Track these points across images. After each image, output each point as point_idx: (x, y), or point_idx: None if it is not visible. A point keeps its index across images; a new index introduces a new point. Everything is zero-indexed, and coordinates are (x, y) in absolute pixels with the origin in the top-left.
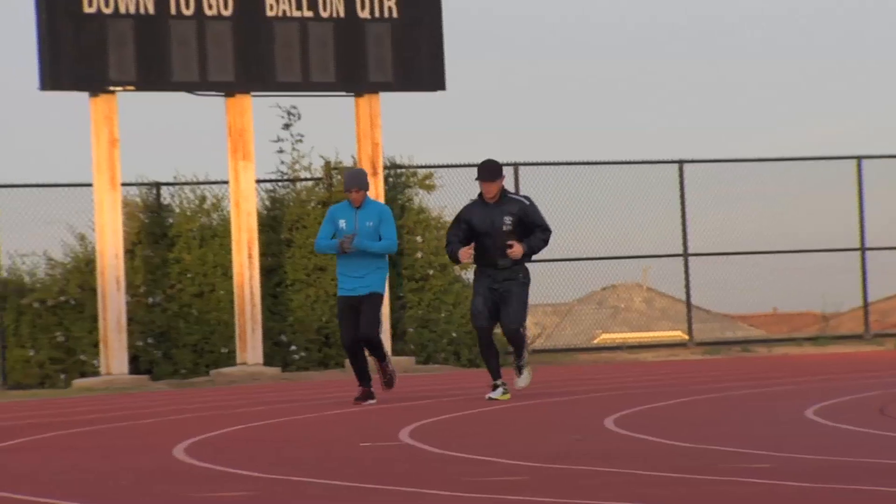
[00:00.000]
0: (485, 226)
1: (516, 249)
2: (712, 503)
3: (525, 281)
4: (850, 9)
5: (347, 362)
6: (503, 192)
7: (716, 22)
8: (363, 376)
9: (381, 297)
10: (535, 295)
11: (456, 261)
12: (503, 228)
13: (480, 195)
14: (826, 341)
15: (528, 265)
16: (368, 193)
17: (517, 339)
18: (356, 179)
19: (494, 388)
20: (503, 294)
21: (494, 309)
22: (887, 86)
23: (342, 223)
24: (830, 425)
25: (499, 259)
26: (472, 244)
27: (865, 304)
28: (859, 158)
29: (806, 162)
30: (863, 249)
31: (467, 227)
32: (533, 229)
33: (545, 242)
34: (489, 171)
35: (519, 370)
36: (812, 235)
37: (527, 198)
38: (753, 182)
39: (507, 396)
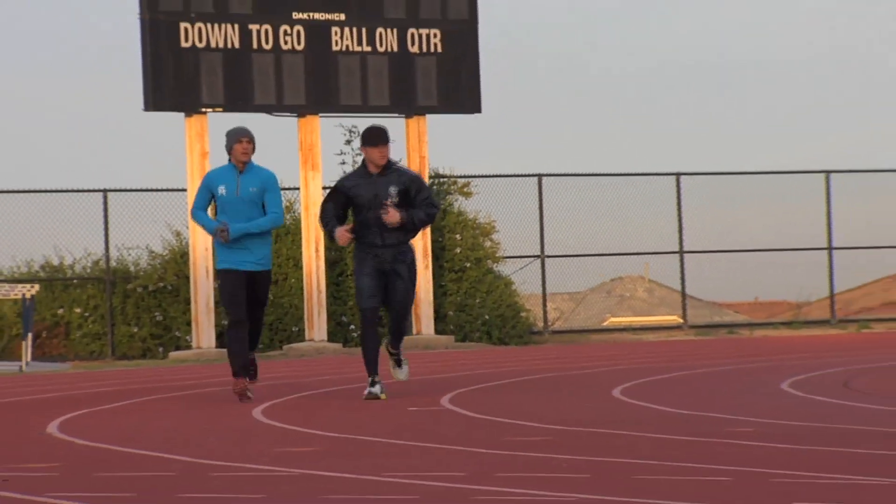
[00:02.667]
0: (368, 199)
1: (392, 214)
2: (705, 461)
3: (414, 261)
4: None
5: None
6: (389, 162)
7: (709, 55)
8: (245, 367)
9: (270, 277)
10: (555, 284)
11: (332, 238)
12: (388, 201)
13: (364, 165)
14: (799, 325)
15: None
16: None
17: (404, 325)
18: (244, 130)
19: (373, 384)
20: (391, 275)
21: (382, 290)
22: (856, 108)
23: (222, 189)
24: (802, 396)
25: (388, 235)
26: (351, 226)
27: (832, 295)
28: (828, 173)
29: (784, 175)
30: (830, 249)
31: (346, 200)
32: (418, 204)
33: (430, 218)
34: (380, 134)
35: (398, 362)
36: (788, 237)
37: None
38: (739, 191)
39: (385, 396)
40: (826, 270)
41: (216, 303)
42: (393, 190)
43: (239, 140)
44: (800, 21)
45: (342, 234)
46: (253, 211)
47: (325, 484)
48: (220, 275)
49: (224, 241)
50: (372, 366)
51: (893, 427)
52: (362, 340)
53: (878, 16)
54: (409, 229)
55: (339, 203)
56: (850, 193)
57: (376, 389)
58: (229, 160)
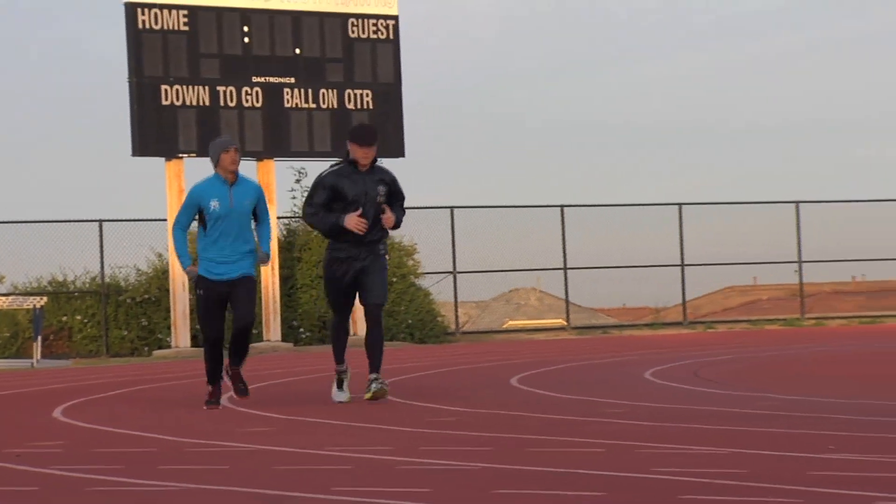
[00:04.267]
0: (357, 195)
1: (390, 216)
2: (584, 436)
3: (386, 255)
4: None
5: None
6: (374, 160)
7: (591, 113)
8: (217, 374)
9: (255, 281)
10: (464, 294)
11: (334, 231)
12: (377, 199)
13: (349, 161)
14: (658, 326)
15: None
16: None
17: (381, 323)
18: (230, 140)
19: (339, 382)
20: (365, 269)
21: (352, 295)
22: (701, 152)
23: (215, 204)
24: (661, 383)
25: (368, 232)
26: (360, 210)
27: (684, 302)
28: (680, 205)
29: (645, 206)
30: (682, 265)
31: (331, 196)
32: (395, 201)
33: (403, 216)
34: (369, 134)
35: (377, 381)
36: (649, 255)
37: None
38: (611, 219)
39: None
40: (679, 282)
41: (191, 310)
42: (382, 189)
43: (227, 149)
44: (659, 86)
45: (356, 220)
46: (245, 223)
47: (277, 457)
48: (200, 283)
49: (191, 279)
50: (339, 354)
51: (733, 408)
52: (333, 332)
53: (729, 77)
54: (389, 229)
55: (325, 198)
56: (699, 221)
57: (344, 397)
58: (215, 173)
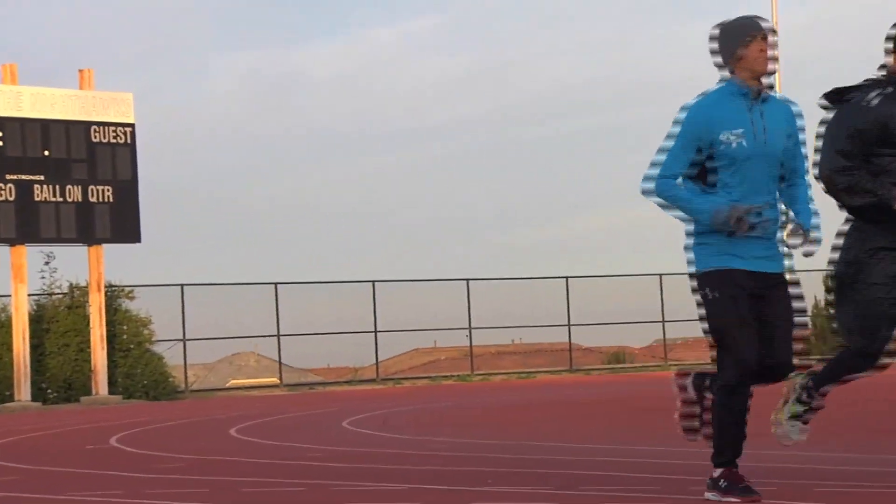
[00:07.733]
0: None
1: None
2: (291, 476)
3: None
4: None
5: None
6: None
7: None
8: (738, 448)
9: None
10: (193, 357)
11: (885, 205)
12: None
13: (890, 79)
14: (356, 383)
15: None
16: None
17: None
18: (754, 21)
19: (804, 411)
20: None
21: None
22: (395, 239)
23: (734, 137)
24: (356, 430)
25: None
26: None
27: (377, 362)
28: (374, 282)
29: (344, 283)
30: (375, 332)
31: (870, 138)
32: None
33: None
34: None
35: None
36: (348, 324)
37: None
38: (311, 294)
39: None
40: (373, 345)
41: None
42: None
43: (751, 36)
44: (351, 177)
45: None
46: (776, 173)
47: (23, 502)
48: (709, 279)
49: (745, 229)
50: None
51: (412, 450)
52: (849, 362)
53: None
54: None
55: (867, 142)
56: (390, 295)
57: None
58: (728, 80)
